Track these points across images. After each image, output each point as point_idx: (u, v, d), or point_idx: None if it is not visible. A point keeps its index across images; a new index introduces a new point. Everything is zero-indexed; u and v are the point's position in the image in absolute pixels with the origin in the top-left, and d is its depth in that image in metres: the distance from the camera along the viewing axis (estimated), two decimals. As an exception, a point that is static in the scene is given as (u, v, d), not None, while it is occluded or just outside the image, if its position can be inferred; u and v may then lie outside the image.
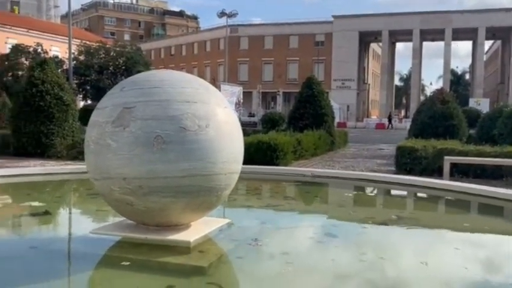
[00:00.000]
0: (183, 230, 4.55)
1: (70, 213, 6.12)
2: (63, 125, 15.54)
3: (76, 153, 14.91)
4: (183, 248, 4.28)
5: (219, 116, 4.36)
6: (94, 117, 4.51)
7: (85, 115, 19.67)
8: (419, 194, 8.12)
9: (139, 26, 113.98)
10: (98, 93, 33.90)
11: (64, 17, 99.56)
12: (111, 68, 33.28)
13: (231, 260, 4.39)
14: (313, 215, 6.87)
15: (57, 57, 30.89)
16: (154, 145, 4.10)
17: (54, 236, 4.88)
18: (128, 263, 3.95)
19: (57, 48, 50.33)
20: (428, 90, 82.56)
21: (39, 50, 32.99)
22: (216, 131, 4.28)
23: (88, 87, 32.57)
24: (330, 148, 18.62)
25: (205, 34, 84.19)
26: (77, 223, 5.73)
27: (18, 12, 77.09)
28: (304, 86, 19.19)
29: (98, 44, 36.54)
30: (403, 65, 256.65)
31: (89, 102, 34.29)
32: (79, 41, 38.80)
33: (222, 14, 53.49)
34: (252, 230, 5.41)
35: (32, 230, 5.32)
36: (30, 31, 53.96)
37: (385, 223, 5.88)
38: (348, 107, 66.20)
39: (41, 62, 16.31)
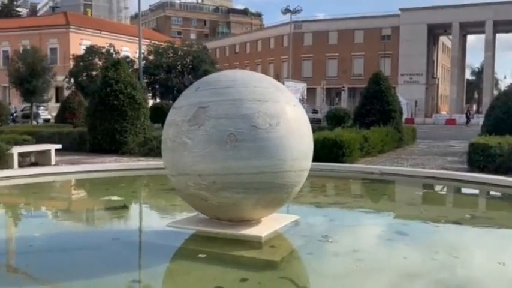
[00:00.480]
0: (254, 225, 4.68)
1: (146, 207, 6.43)
2: (136, 122, 16.12)
3: (148, 150, 15.49)
4: (254, 243, 4.40)
5: (288, 114, 4.45)
6: (171, 116, 4.71)
7: (154, 113, 20.35)
8: (493, 193, 7.83)
9: (205, 25, 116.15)
10: (166, 91, 34.94)
11: (133, 18, 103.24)
12: (178, 67, 34.18)
13: (302, 255, 4.47)
14: (382, 213, 6.81)
15: (128, 57, 32.31)
16: (227, 143, 4.25)
17: (134, 228, 5.17)
18: (204, 256, 4.12)
19: (128, 49, 52.32)
20: (503, 84, 78.67)
21: (112, 50, 34.45)
22: (286, 129, 4.37)
23: (157, 86, 33.64)
24: (397, 145, 18.22)
25: (269, 31, 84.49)
26: (153, 217, 6.03)
27: (91, 15, 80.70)
28: (370, 81, 18.87)
29: (166, 43, 37.63)
30: (474, 58, 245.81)
31: (158, 100, 35.39)
32: (148, 41, 40.21)
33: (286, 10, 53.54)
34: (321, 226, 5.47)
35: (113, 222, 5.65)
36: (102, 32, 56.46)
37: (458, 222, 5.74)
38: (416, 102, 64.32)
39: (115, 62, 17.02)
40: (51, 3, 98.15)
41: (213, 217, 4.77)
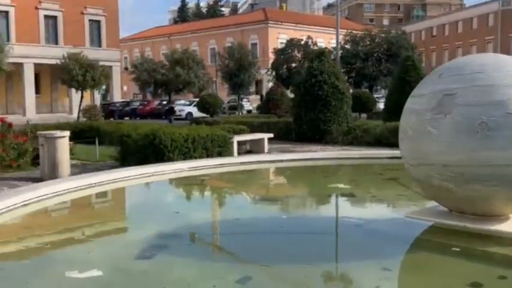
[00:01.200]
0: (503, 221, 4.35)
1: (373, 196, 6.46)
2: (339, 112, 16.30)
3: (351, 139, 15.58)
4: (507, 240, 4.10)
5: (549, 100, 4.01)
6: (410, 104, 4.61)
7: (353, 102, 20.25)
8: None
9: (399, 9, 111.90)
10: (361, 80, 34.67)
11: (325, 8, 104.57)
12: (375, 55, 33.64)
13: None
14: None
15: (325, 48, 32.82)
16: (478, 132, 4.01)
17: (371, 216, 5.22)
18: (458, 250, 3.97)
19: (322, 40, 53.15)
20: None
21: (309, 42, 35.42)
22: (547, 116, 3.95)
23: (353, 75, 33.58)
24: None
25: (471, 11, 77.79)
26: (385, 206, 6.03)
27: (286, 9, 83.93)
28: None
29: (363, 32, 37.28)
30: None
31: (350, 90, 35.09)
32: (344, 30, 40.24)
33: (493, -14, 48.67)
34: None
35: (350, 209, 5.80)
36: (297, 25, 58.38)
37: None
38: None
39: (319, 53, 17.42)
40: (250, 1, 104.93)
41: (455, 210, 4.56)
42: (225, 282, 3.50)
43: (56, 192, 6.07)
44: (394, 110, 16.71)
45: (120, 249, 4.38)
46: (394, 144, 11.73)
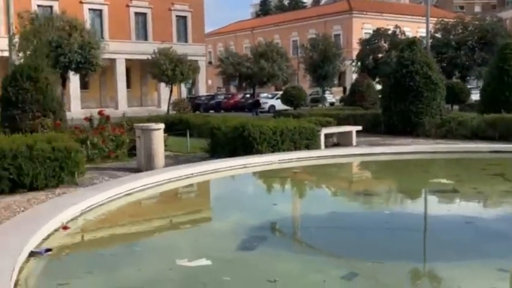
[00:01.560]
0: None
1: (478, 192, 6.08)
2: (431, 104, 15.57)
3: (445, 131, 14.85)
4: None
5: None
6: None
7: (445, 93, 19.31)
8: None
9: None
10: (452, 70, 32.96)
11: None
12: (468, 43, 31.82)
13: None
14: None
15: (415, 37, 31.61)
16: None
17: (480, 213, 4.93)
18: None
19: (409, 29, 51.19)
20: None
21: (397, 32, 34.23)
22: None
23: (444, 65, 31.93)
24: None
25: None
26: (494, 202, 5.68)
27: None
28: None
29: (455, 19, 35.38)
30: None
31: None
32: (434, 18, 38.44)
33: None
34: None
35: (456, 205, 5.51)
36: (383, 14, 56.66)
37: None
38: None
39: (410, 43, 16.72)
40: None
41: None
42: (331, 278, 3.42)
43: (156, 182, 6.28)
44: (492, 101, 15.81)
45: (222, 239, 4.43)
46: (493, 138, 11.09)
